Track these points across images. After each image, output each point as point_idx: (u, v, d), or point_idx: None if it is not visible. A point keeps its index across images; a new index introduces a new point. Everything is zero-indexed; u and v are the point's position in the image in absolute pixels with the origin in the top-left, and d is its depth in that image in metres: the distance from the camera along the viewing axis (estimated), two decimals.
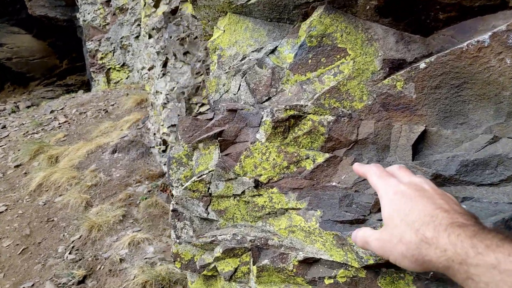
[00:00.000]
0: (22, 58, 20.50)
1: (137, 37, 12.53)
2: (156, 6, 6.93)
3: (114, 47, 13.53)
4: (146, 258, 5.05)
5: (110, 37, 13.55)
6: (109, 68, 13.90)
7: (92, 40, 14.15)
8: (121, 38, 13.18)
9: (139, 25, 12.38)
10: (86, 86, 21.29)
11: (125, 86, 12.52)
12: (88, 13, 14.02)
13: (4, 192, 7.24)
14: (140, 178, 6.78)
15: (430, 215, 0.74)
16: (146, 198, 6.15)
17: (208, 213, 1.58)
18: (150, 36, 7.17)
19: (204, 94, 5.08)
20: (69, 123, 10.04)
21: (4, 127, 11.12)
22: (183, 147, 1.60)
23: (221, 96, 1.60)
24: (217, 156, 1.49)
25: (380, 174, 0.94)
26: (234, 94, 1.53)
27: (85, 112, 10.60)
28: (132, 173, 6.94)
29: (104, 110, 10.36)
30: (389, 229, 0.81)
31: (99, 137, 8.43)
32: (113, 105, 10.79)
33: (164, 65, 6.35)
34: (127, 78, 13.51)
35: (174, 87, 5.99)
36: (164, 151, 6.86)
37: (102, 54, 13.86)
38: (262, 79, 1.43)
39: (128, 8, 12.87)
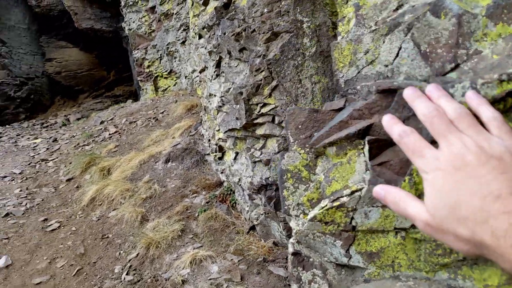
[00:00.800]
0: (70, 72, 20.76)
1: (183, 42, 12.20)
2: (206, 3, 6.46)
3: (160, 54, 13.26)
4: (210, 279, 4.52)
5: (156, 45, 13.30)
6: (157, 76, 13.65)
7: (138, 49, 13.96)
8: (167, 44, 12.89)
9: (185, 30, 12.05)
10: (134, 96, 21.33)
11: (173, 93, 12.19)
12: (133, 22, 13.84)
13: (57, 208, 6.95)
14: (196, 189, 6.30)
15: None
16: (205, 210, 5.65)
17: (351, 257, 0.99)
18: (200, 36, 6.71)
19: (267, 93, 4.52)
20: (119, 133, 9.75)
21: (55, 140, 11.00)
22: (299, 154, 1.02)
23: (359, 71, 1.00)
24: (363, 166, 0.90)
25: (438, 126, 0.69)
26: (387, 66, 0.92)
27: (135, 121, 10.30)
28: (187, 183, 6.47)
29: (154, 118, 10.02)
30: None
31: (151, 146, 8.05)
32: (162, 112, 10.44)
33: (218, 65, 5.84)
34: (174, 85, 13.20)
35: (229, 88, 5.46)
36: (220, 158, 6.35)
37: (149, 62, 13.63)
38: (442, 36, 0.82)
39: (173, 13, 12.58)
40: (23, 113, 18.92)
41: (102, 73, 21.61)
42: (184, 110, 9.36)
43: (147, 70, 13.82)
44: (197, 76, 7.06)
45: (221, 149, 6.26)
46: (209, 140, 6.70)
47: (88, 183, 7.36)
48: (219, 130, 6.15)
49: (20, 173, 8.67)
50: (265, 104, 4.67)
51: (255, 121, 4.87)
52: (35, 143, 11.22)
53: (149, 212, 5.92)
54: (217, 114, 6.12)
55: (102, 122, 11.12)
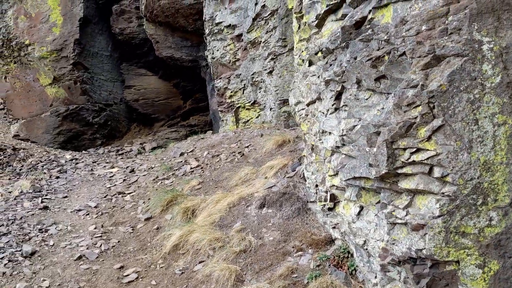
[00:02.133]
0: (148, 100, 20.63)
1: (270, 72, 11.36)
2: (320, 24, 5.49)
3: (244, 84, 12.50)
4: None
5: (240, 74, 12.56)
6: (238, 107, 12.87)
7: (220, 78, 13.31)
8: (252, 74, 12.11)
9: (273, 59, 11.21)
10: (209, 125, 20.79)
11: (257, 126, 11.30)
12: (217, 50, 13.25)
13: (135, 253, 6.08)
14: (300, 245, 5.17)
15: None
16: (316, 276, 4.50)
17: None
18: (310, 63, 5.74)
19: (424, 135, 3.36)
20: (202, 168, 8.90)
21: (132, 171, 10.36)
22: None
23: None
24: None
25: None
26: None
27: (217, 155, 9.44)
28: (289, 237, 5.37)
29: (239, 153, 9.11)
30: None
31: (240, 186, 7.07)
32: (247, 146, 9.52)
33: (338, 96, 4.78)
34: (257, 117, 12.33)
35: (354, 125, 4.37)
36: (330, 209, 5.21)
37: (231, 92, 12.91)
38: None
39: (261, 41, 11.82)
40: (100, 139, 18.85)
41: (178, 102, 21.33)
42: (275, 146, 8.36)
43: (228, 101, 13.10)
44: (302, 109, 6.04)
45: (333, 198, 5.11)
46: (316, 186, 5.59)
47: (169, 225, 6.47)
48: (333, 175, 5.03)
49: (95, 207, 7.98)
50: (419, 150, 3.50)
51: (400, 171, 3.71)
52: (112, 172, 10.65)
53: (244, 271, 4.86)
54: (332, 155, 5.02)
55: (182, 154, 10.37)
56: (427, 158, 3.37)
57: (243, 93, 12.66)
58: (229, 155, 9.21)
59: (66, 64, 17.23)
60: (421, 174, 3.50)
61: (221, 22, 12.92)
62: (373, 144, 3.96)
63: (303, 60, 6.07)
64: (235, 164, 8.41)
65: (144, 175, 9.57)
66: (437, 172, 3.36)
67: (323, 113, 5.12)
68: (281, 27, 11.13)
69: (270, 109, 11.64)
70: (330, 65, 4.86)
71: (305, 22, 6.04)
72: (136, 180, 9.35)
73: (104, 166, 11.81)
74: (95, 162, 13.34)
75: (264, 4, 11.45)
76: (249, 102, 12.45)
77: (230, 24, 12.65)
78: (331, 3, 5.13)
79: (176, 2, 17.15)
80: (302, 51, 6.19)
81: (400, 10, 3.76)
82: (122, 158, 14.57)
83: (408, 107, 3.54)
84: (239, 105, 12.84)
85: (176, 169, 9.29)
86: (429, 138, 3.35)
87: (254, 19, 11.87)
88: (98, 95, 19.21)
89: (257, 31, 11.88)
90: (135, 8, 20.32)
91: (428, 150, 3.38)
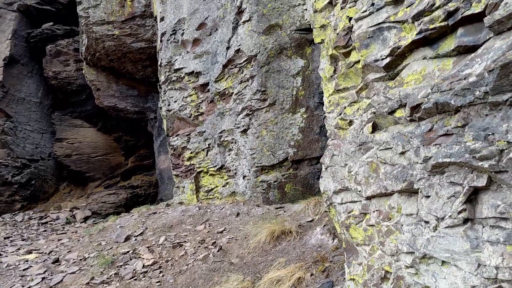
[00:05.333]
0: (83, 155, 17.59)
1: (244, 131, 9.02)
2: (393, 65, 3.31)
3: (209, 144, 10.05)
4: None
5: (204, 131, 10.13)
6: (200, 172, 10.33)
7: (178, 135, 10.78)
8: (221, 132, 9.72)
9: (248, 115, 8.94)
10: (154, 187, 17.96)
11: (229, 200, 8.78)
12: (175, 101, 10.80)
13: None
14: None
15: None
16: None
17: None
18: (375, 127, 3.47)
19: None
20: (160, 267, 6.20)
21: (57, 261, 7.41)
22: None
23: None
24: None
25: None
26: None
27: (180, 244, 6.80)
28: None
29: (213, 244, 6.53)
30: None
31: None
32: (222, 232, 6.98)
33: (470, 198, 2.50)
34: (224, 185, 9.83)
35: None
36: None
37: (191, 153, 10.39)
38: None
39: (233, 93, 9.54)
40: (20, 202, 15.47)
41: (119, 158, 18.42)
42: (268, 238, 5.88)
43: (187, 163, 10.53)
44: (352, 202, 3.69)
45: None
46: None
47: None
48: None
49: None
50: None
51: None
52: (27, 262, 7.62)
53: None
54: None
55: (128, 238, 7.59)
56: None
57: (206, 154, 10.18)
58: (199, 246, 6.59)
59: None
60: None
61: (182, 69, 10.58)
62: None
63: (350, 122, 3.78)
64: (212, 265, 5.79)
65: (73, 273, 6.67)
66: None
67: (425, 222, 2.80)
68: (260, 76, 8.95)
69: (244, 177, 9.20)
70: (453, 136, 2.60)
71: (352, 63, 3.81)
72: (61, 281, 6.44)
73: (18, 249, 8.71)
74: (8, 237, 10.16)
75: (239, 49, 9.27)
76: (215, 166, 9.96)
77: (193, 71, 10.32)
78: (430, 27, 2.94)
79: (123, 45, 14.72)
80: (345, 108, 3.91)
81: None
82: (45, 230, 11.42)
83: None
84: (201, 169, 10.30)
85: (121, 265, 6.51)
86: None
87: (224, 66, 9.64)
88: (22, 149, 16.00)
89: (229, 81, 9.62)
90: (73, 50, 17.64)
91: None
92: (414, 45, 3.12)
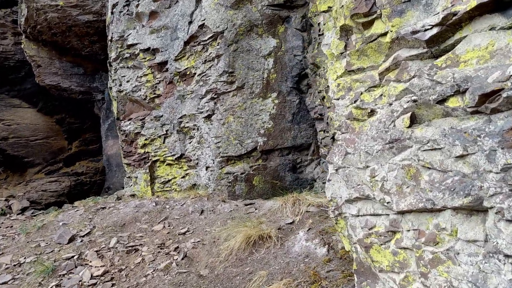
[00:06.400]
0: (21, 138, 15.92)
1: (209, 116, 8.07)
2: (439, 40, 2.51)
3: (167, 130, 8.99)
4: None
5: (161, 116, 9.06)
6: (156, 161, 9.27)
7: (130, 119, 9.64)
8: (181, 117, 8.70)
9: (213, 99, 7.98)
10: (101, 174, 16.63)
11: (191, 194, 7.79)
12: (128, 81, 9.62)
13: None
14: None
15: None
16: None
17: None
18: (414, 120, 2.66)
19: None
20: (112, 278, 5.18)
21: None
22: None
23: None
24: None
25: None
26: None
27: (136, 249, 5.80)
28: None
29: (175, 249, 5.58)
30: None
31: None
32: (185, 234, 6.04)
33: None
34: (184, 176, 8.84)
35: None
36: None
37: (145, 139, 9.29)
38: None
39: (195, 74, 8.51)
40: None
41: (62, 142, 16.86)
42: (244, 244, 5.00)
43: (141, 151, 9.43)
44: (373, 216, 2.86)
45: None
46: None
47: None
48: None
49: None
50: None
51: None
52: None
53: None
54: None
55: (72, 239, 6.50)
56: None
57: (164, 142, 9.12)
58: (158, 251, 5.62)
59: None
60: None
61: (136, 44, 9.39)
62: None
63: (372, 112, 2.93)
64: (176, 277, 4.84)
65: (4, 283, 5.52)
66: None
67: (505, 255, 2.02)
68: (227, 56, 7.97)
69: (207, 168, 8.25)
70: None
71: (374, 36, 2.96)
72: None
73: None
74: None
75: (203, 24, 8.24)
76: (173, 155, 8.93)
77: (149, 48, 9.18)
78: None
79: (68, 17, 13.21)
80: (362, 94, 3.05)
81: None
82: None
83: None
84: (156, 158, 9.24)
85: (64, 275, 5.43)
86: None
87: (186, 43, 8.58)
88: None
89: (191, 60, 8.58)
90: (11, 22, 15.83)
91: None
92: (479, 11, 2.30)
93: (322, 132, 7.28)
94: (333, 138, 6.72)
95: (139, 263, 5.42)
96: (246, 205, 6.77)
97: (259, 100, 7.95)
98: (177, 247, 5.63)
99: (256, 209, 6.41)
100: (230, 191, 7.80)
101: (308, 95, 7.99)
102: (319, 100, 7.36)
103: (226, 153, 7.94)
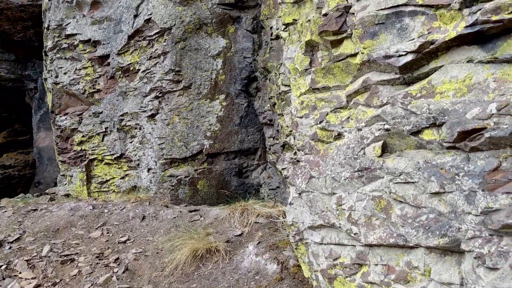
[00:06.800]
0: None
1: (152, 116, 7.74)
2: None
3: (106, 128, 8.53)
4: None
5: (100, 112, 8.58)
6: (93, 159, 8.77)
7: (66, 114, 9.05)
8: (122, 115, 8.28)
9: (158, 97, 7.67)
10: (31, 168, 15.66)
11: (132, 198, 7.40)
12: (65, 73, 9.02)
13: None
14: None
15: None
16: None
17: None
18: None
19: None
20: None
21: None
22: None
23: None
24: None
25: None
26: None
27: (72, 260, 5.41)
28: None
29: (115, 260, 5.25)
30: None
31: None
32: (125, 242, 5.72)
33: None
34: (123, 177, 8.42)
35: None
36: None
37: (82, 136, 8.76)
38: None
39: (139, 70, 8.12)
40: None
41: None
42: (190, 258, 4.78)
43: (77, 148, 8.89)
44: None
45: None
46: None
47: None
48: None
49: None
50: None
51: None
52: None
53: None
54: None
55: (1, 244, 5.97)
56: None
57: (102, 140, 8.64)
58: (96, 262, 5.26)
59: None
60: None
61: (76, 35, 8.81)
62: None
63: (339, 135, 2.80)
64: None
65: None
66: None
67: None
68: (174, 54, 7.66)
69: (149, 169, 7.90)
70: None
71: (342, 55, 2.85)
72: None
73: None
74: None
75: (150, 18, 7.86)
76: (113, 154, 8.49)
77: (90, 39, 8.63)
78: (493, 19, 2.10)
79: (0, 0, 12.23)
80: (328, 114, 2.92)
81: None
82: None
83: None
84: (94, 156, 8.74)
85: None
86: None
87: (131, 37, 8.16)
88: None
89: (135, 55, 8.17)
90: None
91: None
92: (457, 42, 2.23)
93: (272, 139, 7.17)
94: (283, 146, 6.62)
95: (76, 275, 5.05)
96: (190, 211, 6.52)
97: (207, 102, 7.70)
98: (118, 258, 5.30)
99: (201, 217, 6.18)
100: (173, 195, 7.52)
101: (257, 99, 7.84)
102: (269, 105, 7.23)
103: (170, 155, 7.63)
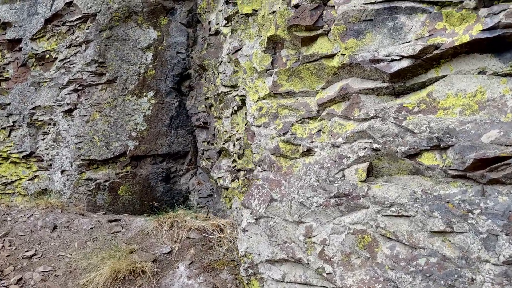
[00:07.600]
0: None
1: (69, 111, 6.89)
2: None
3: (14, 122, 7.49)
4: None
5: (8, 104, 7.52)
6: None
7: None
8: (34, 108, 7.30)
9: (77, 91, 6.86)
10: None
11: (41, 203, 6.46)
12: None
13: None
14: None
15: None
16: None
17: None
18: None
19: None
20: None
21: None
22: None
23: None
24: None
25: None
26: None
27: None
28: None
29: (18, 281, 4.43)
30: None
31: None
32: (31, 258, 4.90)
33: None
34: (32, 179, 7.44)
35: None
36: None
37: None
38: None
39: (56, 58, 7.20)
40: None
41: None
42: (110, 281, 4.11)
43: None
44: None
45: None
46: None
47: None
48: None
49: None
50: None
51: None
52: None
53: None
54: None
55: None
56: None
57: (9, 135, 7.59)
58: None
59: None
60: None
61: None
62: None
63: (308, 151, 2.33)
64: None
65: None
66: None
67: None
68: (98, 43, 6.86)
69: (63, 171, 7.00)
70: None
71: (315, 56, 2.38)
72: None
73: None
74: None
75: (72, 2, 6.99)
76: (21, 152, 7.47)
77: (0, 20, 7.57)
78: None
79: None
80: (293, 125, 2.44)
81: None
82: None
83: None
84: None
85: None
86: None
87: (48, 21, 7.22)
88: None
89: (52, 41, 7.24)
90: None
91: None
92: (467, 48, 1.84)
93: (206, 143, 6.60)
94: (219, 152, 6.07)
95: None
96: (110, 221, 5.78)
97: (133, 98, 6.97)
98: (21, 278, 4.47)
99: (123, 228, 5.48)
100: (90, 200, 6.70)
101: (190, 98, 7.24)
102: (203, 106, 6.66)
103: (89, 156, 6.80)
